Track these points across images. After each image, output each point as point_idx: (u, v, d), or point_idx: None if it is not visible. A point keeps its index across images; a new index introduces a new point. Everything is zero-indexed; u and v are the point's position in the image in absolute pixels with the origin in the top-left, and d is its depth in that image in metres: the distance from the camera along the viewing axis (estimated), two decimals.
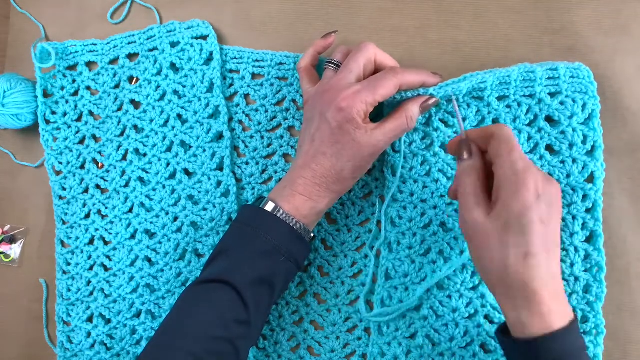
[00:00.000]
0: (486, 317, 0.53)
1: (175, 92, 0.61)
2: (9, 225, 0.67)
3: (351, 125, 0.47)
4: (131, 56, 0.62)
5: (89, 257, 0.62)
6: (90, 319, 0.62)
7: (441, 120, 0.54)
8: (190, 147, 0.60)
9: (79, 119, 0.63)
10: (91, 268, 0.62)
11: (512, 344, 0.43)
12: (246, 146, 0.60)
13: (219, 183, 0.60)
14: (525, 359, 0.42)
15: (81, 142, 0.63)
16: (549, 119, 0.53)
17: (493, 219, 0.41)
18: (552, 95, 0.52)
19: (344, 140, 0.48)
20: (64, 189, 0.63)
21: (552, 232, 0.41)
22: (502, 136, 0.43)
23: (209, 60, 0.60)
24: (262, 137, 0.60)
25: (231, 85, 0.61)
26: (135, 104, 0.62)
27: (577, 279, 0.51)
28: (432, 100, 0.51)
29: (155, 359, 0.45)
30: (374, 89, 0.47)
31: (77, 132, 0.63)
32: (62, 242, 0.63)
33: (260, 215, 0.49)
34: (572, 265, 0.51)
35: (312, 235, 0.52)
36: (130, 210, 0.61)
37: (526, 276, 0.40)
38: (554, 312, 0.40)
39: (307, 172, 0.49)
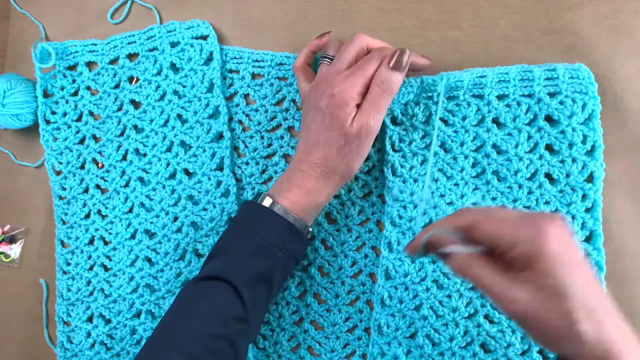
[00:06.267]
0: (486, 316, 0.53)
1: (175, 92, 0.61)
2: (9, 225, 0.67)
3: (341, 111, 0.47)
4: (131, 56, 0.62)
5: (89, 257, 0.62)
6: (90, 319, 0.62)
7: (441, 119, 0.54)
8: (190, 147, 0.60)
9: (79, 119, 0.63)
10: (91, 268, 0.62)
11: None
12: (246, 146, 0.60)
13: (219, 183, 0.60)
14: None
15: (81, 142, 0.63)
16: (549, 119, 0.53)
17: (537, 295, 0.35)
18: (552, 95, 0.52)
19: (335, 126, 0.48)
20: (64, 189, 0.63)
21: (590, 271, 0.36)
22: (484, 219, 0.37)
23: (209, 60, 0.60)
24: (262, 137, 0.60)
25: (231, 85, 0.61)
26: (135, 104, 0.62)
27: None
28: (404, 54, 0.47)
29: (153, 358, 0.45)
30: (363, 70, 0.47)
31: (77, 132, 0.63)
32: (62, 242, 0.63)
33: (258, 211, 0.49)
34: None
35: (311, 233, 0.52)
36: (130, 210, 0.61)
37: (603, 337, 0.35)
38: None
39: (303, 165, 0.49)
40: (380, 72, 0.47)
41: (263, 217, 0.49)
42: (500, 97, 0.53)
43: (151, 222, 0.60)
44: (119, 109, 0.62)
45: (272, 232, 0.48)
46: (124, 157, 0.62)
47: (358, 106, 0.48)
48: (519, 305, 0.35)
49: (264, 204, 0.49)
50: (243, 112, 0.60)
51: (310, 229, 0.52)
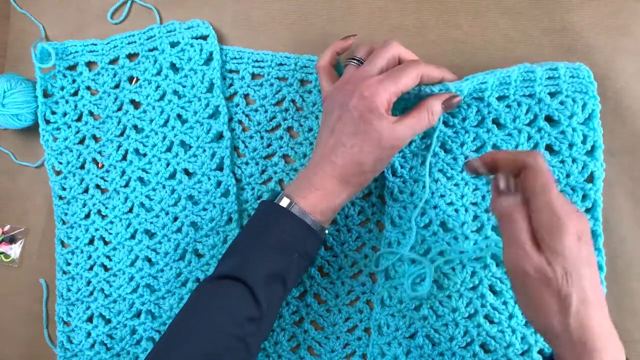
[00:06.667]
0: (486, 317, 0.53)
1: (175, 92, 0.61)
2: (9, 225, 0.67)
3: (373, 115, 0.47)
4: (131, 56, 0.62)
5: (89, 257, 0.62)
6: (90, 319, 0.62)
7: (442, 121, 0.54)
8: (190, 147, 0.60)
9: (79, 119, 0.63)
10: (91, 268, 0.62)
11: None
12: (246, 146, 0.60)
13: (218, 183, 0.60)
14: None
15: (81, 142, 0.63)
16: (549, 119, 0.53)
17: (550, 267, 0.38)
18: (552, 95, 0.52)
19: (366, 129, 0.47)
20: (64, 189, 0.63)
21: (596, 273, 0.40)
22: (539, 170, 0.40)
23: (208, 60, 0.60)
24: (261, 138, 0.60)
25: (231, 85, 0.61)
26: (135, 104, 0.62)
27: None
28: (456, 99, 0.50)
29: (167, 355, 0.45)
30: (397, 78, 0.47)
31: (77, 132, 0.63)
32: (62, 242, 0.63)
33: (275, 211, 0.49)
34: None
35: (326, 231, 0.51)
36: (130, 210, 0.61)
37: (588, 330, 0.38)
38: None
39: (326, 165, 0.49)
40: (435, 104, 0.49)
41: (280, 218, 0.48)
42: (500, 98, 0.53)
43: (151, 222, 0.60)
44: (119, 109, 0.62)
45: (288, 233, 0.48)
46: (124, 157, 0.62)
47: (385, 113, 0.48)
48: (528, 267, 0.39)
49: (281, 204, 0.49)
50: (243, 112, 0.60)
51: (327, 231, 0.51)
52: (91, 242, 0.62)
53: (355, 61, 0.51)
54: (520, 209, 0.40)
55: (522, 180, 0.41)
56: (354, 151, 0.48)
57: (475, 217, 0.54)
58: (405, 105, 0.53)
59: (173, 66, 0.61)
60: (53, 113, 0.63)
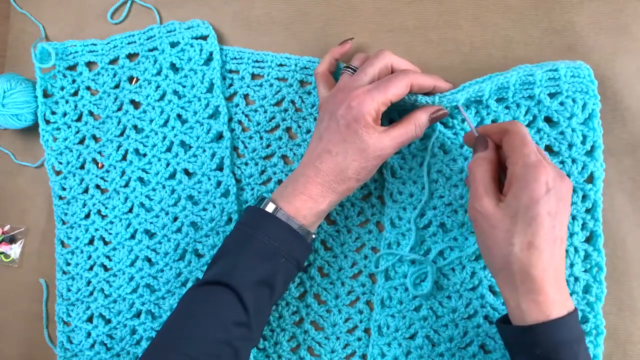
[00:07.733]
0: (486, 317, 0.53)
1: (175, 92, 0.61)
2: (9, 225, 0.67)
3: (359, 124, 0.47)
4: (131, 56, 0.62)
5: (89, 257, 0.62)
6: (90, 319, 0.62)
7: (441, 122, 0.54)
8: (190, 147, 0.60)
9: (79, 119, 0.63)
10: (91, 268, 0.62)
11: (510, 331, 0.44)
12: (245, 147, 0.60)
13: (218, 183, 0.60)
14: (523, 346, 0.43)
15: (81, 142, 0.63)
16: (548, 120, 0.53)
17: (502, 209, 0.43)
18: (552, 95, 0.52)
19: (351, 139, 0.48)
20: (64, 189, 0.63)
21: (559, 226, 0.42)
22: (516, 131, 0.44)
23: (208, 60, 0.60)
24: (261, 138, 0.60)
25: (231, 85, 0.61)
26: (135, 104, 0.62)
27: (577, 279, 0.51)
28: (442, 112, 0.51)
29: None
30: (385, 88, 0.47)
31: (77, 132, 0.63)
32: (62, 242, 0.63)
33: (260, 216, 0.49)
34: (572, 265, 0.51)
35: (313, 235, 0.52)
36: (130, 210, 0.61)
37: (528, 265, 0.41)
38: (553, 301, 0.42)
39: (310, 170, 0.49)
40: (422, 117, 0.50)
41: (265, 223, 0.49)
42: (499, 100, 0.53)
43: (151, 222, 0.61)
44: (119, 109, 0.62)
45: (274, 238, 0.48)
46: (124, 157, 0.62)
47: (372, 122, 0.48)
48: (479, 208, 0.44)
49: (267, 209, 0.49)
50: (242, 113, 0.60)
51: (313, 236, 0.52)
52: (91, 242, 0.62)
53: (350, 70, 0.52)
54: (482, 163, 0.45)
55: (504, 142, 0.45)
56: (338, 159, 0.48)
57: None
58: (401, 113, 0.53)
59: (173, 66, 0.61)
60: (53, 113, 0.63)
